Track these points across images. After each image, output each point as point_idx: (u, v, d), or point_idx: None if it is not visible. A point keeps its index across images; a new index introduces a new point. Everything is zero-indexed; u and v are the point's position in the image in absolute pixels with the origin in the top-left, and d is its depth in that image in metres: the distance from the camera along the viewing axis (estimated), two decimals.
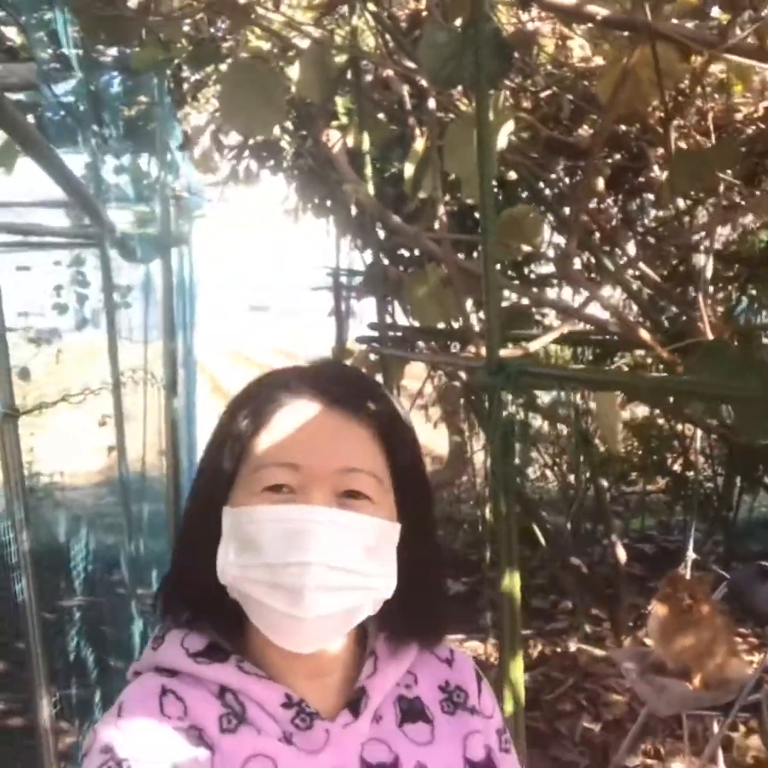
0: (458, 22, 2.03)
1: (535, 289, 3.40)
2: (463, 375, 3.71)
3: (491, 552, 1.61)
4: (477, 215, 3.33)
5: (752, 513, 6.88)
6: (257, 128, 2.17)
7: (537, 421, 6.08)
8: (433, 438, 7.39)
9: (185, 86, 3.34)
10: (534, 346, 1.68)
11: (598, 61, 3.45)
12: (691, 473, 6.06)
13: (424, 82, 2.01)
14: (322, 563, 0.80)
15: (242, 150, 3.74)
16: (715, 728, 3.51)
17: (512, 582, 1.57)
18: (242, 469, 0.87)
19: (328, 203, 4.14)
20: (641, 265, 2.29)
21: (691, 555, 3.95)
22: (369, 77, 2.53)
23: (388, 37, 2.31)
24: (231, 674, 0.86)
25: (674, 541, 6.62)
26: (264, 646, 0.87)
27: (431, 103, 1.94)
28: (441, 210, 1.94)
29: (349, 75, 2.38)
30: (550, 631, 4.94)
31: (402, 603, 0.88)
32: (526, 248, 2.68)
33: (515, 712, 1.57)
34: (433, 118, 1.92)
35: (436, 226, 2.12)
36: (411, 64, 2.18)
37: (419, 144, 2.26)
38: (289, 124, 3.33)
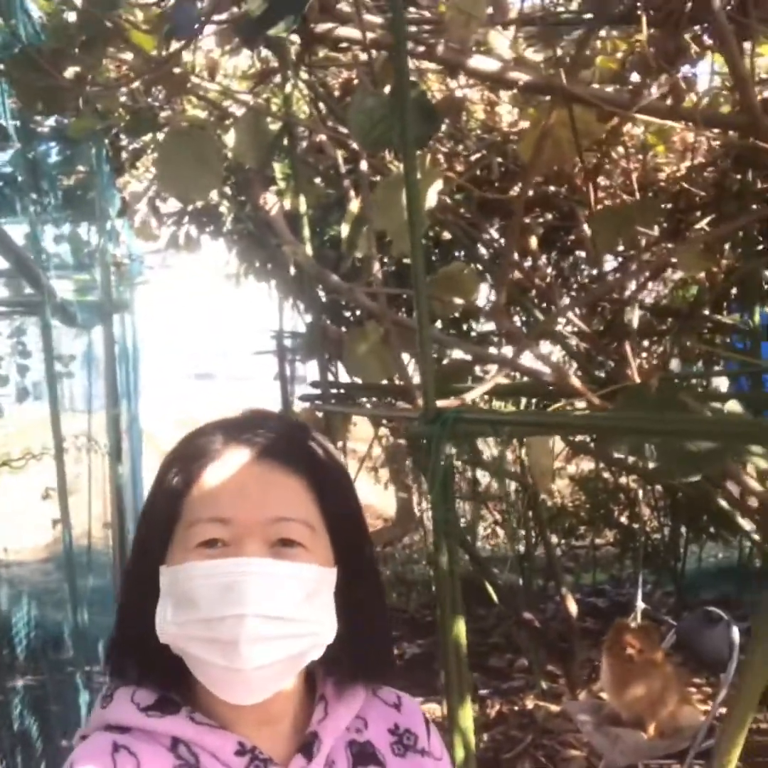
0: (387, 89, 2.09)
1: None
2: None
3: (438, 606, 1.62)
4: None
5: (701, 563, 6.97)
6: (194, 194, 2.21)
7: (485, 479, 6.14)
8: (384, 499, 7.40)
9: (124, 155, 3.39)
10: (470, 396, 1.71)
11: (524, 124, 3.59)
12: (637, 525, 6.14)
13: (356, 146, 2.08)
14: (257, 614, 0.81)
15: (182, 216, 3.79)
16: None
17: (456, 627, 1.58)
18: (177, 526, 0.87)
19: (269, 267, 4.19)
20: (576, 320, 2.34)
21: (640, 605, 3.99)
22: (304, 143, 2.59)
23: (321, 104, 2.39)
24: (184, 725, 0.86)
25: (626, 594, 6.66)
26: (211, 697, 0.87)
27: (363, 165, 2.00)
28: (376, 267, 1.98)
29: (284, 141, 2.44)
30: (508, 689, 4.91)
31: (346, 646, 0.89)
32: (459, 301, 2.75)
33: (466, 758, 1.57)
34: (365, 179, 1.98)
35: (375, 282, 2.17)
36: (343, 130, 2.25)
37: (354, 205, 2.32)
38: (227, 190, 3.38)
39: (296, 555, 0.85)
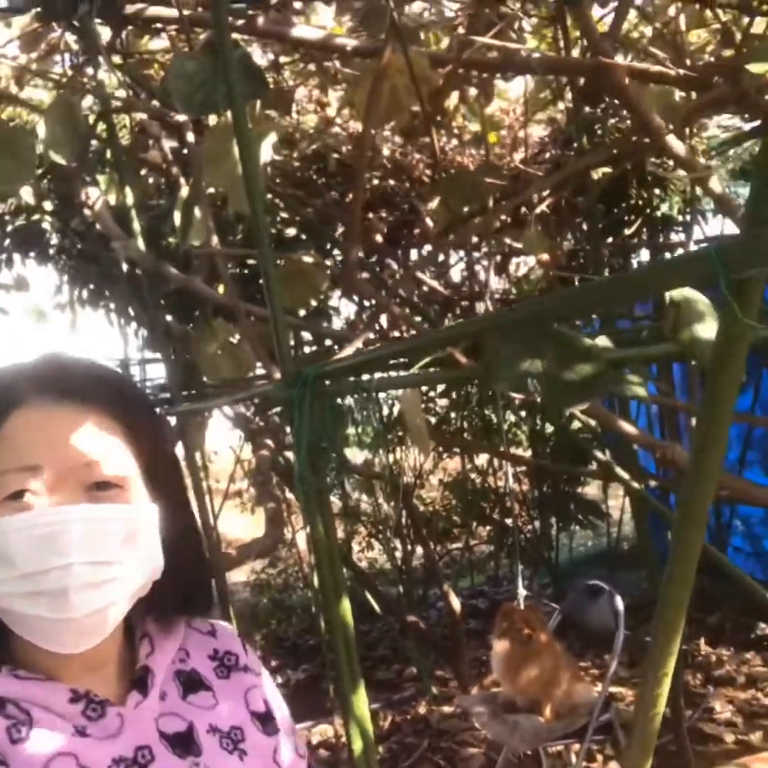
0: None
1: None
2: (271, 443, 3.59)
3: (319, 586, 1.50)
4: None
5: (572, 553, 7.09)
6: (5, 185, 2.03)
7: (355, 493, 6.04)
8: (254, 530, 7.17)
9: None
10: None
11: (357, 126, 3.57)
12: (509, 520, 6.17)
13: (179, 118, 1.95)
14: (83, 562, 0.79)
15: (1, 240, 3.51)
16: (574, 760, 3.47)
17: (341, 606, 1.46)
18: None
19: (105, 292, 3.94)
20: (427, 279, 2.28)
21: (522, 593, 3.94)
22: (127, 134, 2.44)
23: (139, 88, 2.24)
24: (7, 684, 0.83)
25: (504, 593, 6.67)
26: (34, 652, 0.83)
27: (190, 137, 1.86)
28: (214, 240, 1.85)
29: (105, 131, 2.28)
30: (399, 700, 4.79)
31: (167, 581, 0.89)
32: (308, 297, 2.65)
33: (365, 748, 1.44)
34: (193, 151, 1.85)
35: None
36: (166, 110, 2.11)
37: (185, 192, 2.18)
38: (48, 205, 3.16)
39: (114, 496, 0.84)
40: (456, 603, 4.46)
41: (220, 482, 5.75)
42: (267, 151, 1.62)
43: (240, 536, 8.19)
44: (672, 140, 1.75)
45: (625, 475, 2.27)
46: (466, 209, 2.28)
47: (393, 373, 1.63)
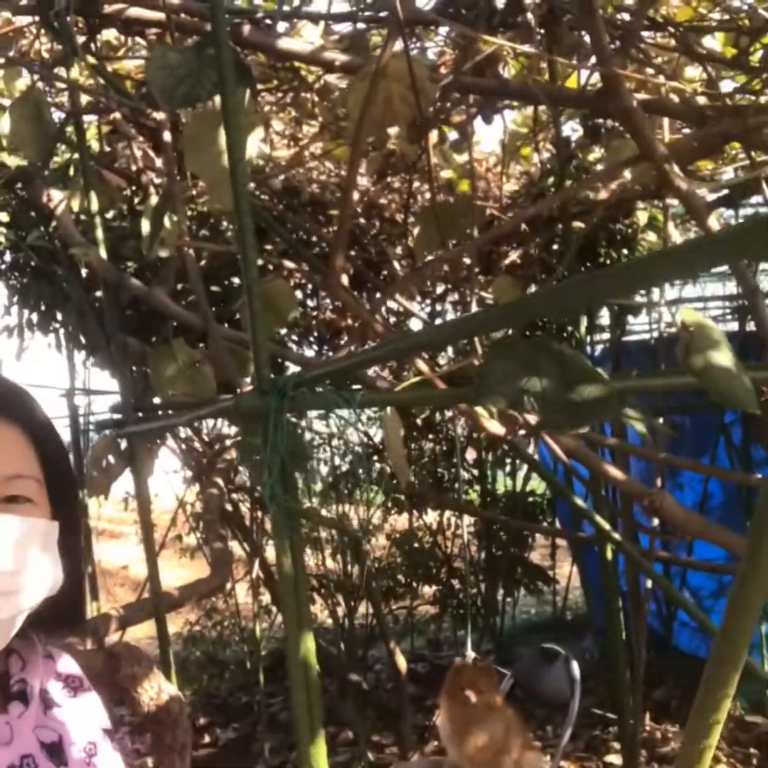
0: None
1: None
2: (221, 482, 3.43)
3: (283, 620, 1.35)
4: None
5: (515, 620, 6.94)
6: None
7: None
8: (194, 576, 6.89)
9: None
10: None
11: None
12: (455, 581, 6.02)
13: (157, 116, 1.83)
14: (3, 568, 0.81)
15: None
16: None
17: (306, 648, 1.31)
18: None
19: (57, 315, 3.76)
20: (406, 303, 2.18)
21: (470, 654, 3.79)
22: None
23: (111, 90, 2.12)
24: None
25: (445, 658, 6.48)
26: None
27: (166, 137, 1.75)
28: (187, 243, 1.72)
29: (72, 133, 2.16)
30: (333, 765, 4.54)
31: (47, 598, 0.90)
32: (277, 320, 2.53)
33: None
34: (169, 153, 1.73)
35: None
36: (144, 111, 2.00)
37: (154, 200, 2.06)
38: (3, 216, 3.00)
39: (26, 510, 0.86)
40: (402, 663, 4.29)
41: (158, 529, 5.53)
42: (254, 144, 1.51)
43: (176, 586, 7.91)
44: (676, 173, 1.69)
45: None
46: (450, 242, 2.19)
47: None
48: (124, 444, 2.29)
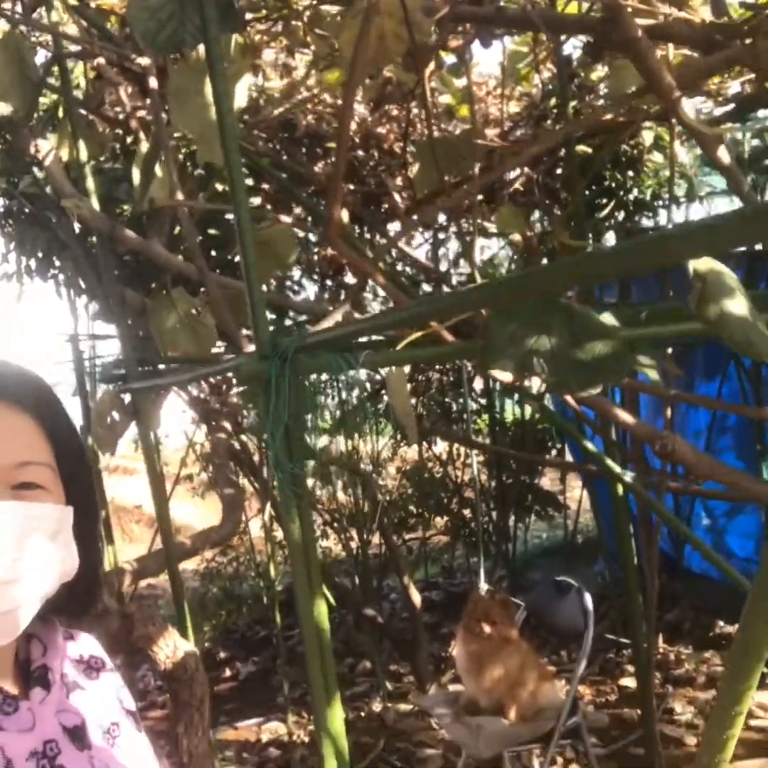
0: None
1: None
2: (228, 425, 3.41)
3: (294, 586, 1.33)
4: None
5: (527, 545, 7.00)
6: None
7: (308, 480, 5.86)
8: (204, 518, 6.95)
9: None
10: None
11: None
12: (467, 510, 6.05)
13: (141, 61, 1.75)
14: (5, 557, 0.81)
15: None
16: (535, 765, 3.35)
17: (317, 610, 1.29)
18: None
19: (55, 261, 3.69)
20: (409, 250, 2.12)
21: (483, 586, 3.82)
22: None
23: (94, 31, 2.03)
24: None
25: (459, 585, 6.57)
26: None
27: (153, 83, 1.67)
28: (179, 196, 1.66)
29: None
30: (352, 695, 4.64)
31: (65, 583, 0.90)
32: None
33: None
34: (155, 99, 1.66)
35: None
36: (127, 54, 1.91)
37: (144, 147, 1.98)
38: None
39: (38, 496, 0.86)
40: (416, 596, 4.32)
41: (170, 466, 5.54)
42: (242, 93, 1.44)
43: (189, 523, 7.97)
44: (684, 102, 1.61)
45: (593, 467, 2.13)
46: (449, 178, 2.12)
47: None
48: (128, 398, 2.26)
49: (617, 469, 2.00)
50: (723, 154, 1.76)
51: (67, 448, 0.92)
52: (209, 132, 1.34)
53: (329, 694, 1.32)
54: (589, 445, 1.98)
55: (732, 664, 0.68)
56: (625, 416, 1.78)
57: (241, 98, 1.45)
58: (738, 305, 1.25)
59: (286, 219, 1.94)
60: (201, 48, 1.39)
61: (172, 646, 1.84)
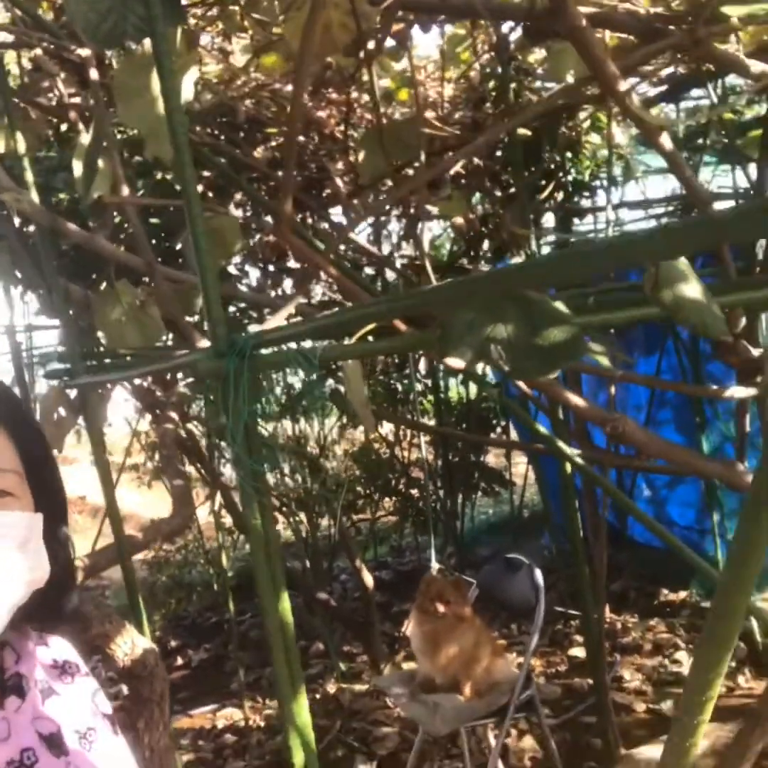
0: None
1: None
2: (175, 415, 3.38)
3: (256, 582, 1.33)
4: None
5: (474, 521, 7.09)
6: None
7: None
8: (148, 507, 6.89)
9: None
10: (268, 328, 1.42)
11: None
12: (414, 491, 6.10)
13: (81, 52, 1.71)
14: None
15: None
16: (491, 738, 3.41)
17: (280, 605, 1.30)
18: None
19: None
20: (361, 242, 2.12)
21: (435, 565, 3.86)
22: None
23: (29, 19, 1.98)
24: None
25: (408, 563, 6.63)
26: None
27: (93, 74, 1.64)
28: (125, 191, 1.64)
29: None
30: (307, 678, 4.65)
31: (43, 589, 0.90)
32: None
33: (307, 761, 1.29)
34: (98, 92, 1.62)
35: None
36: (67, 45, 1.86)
37: (86, 138, 1.94)
38: None
39: (5, 504, 0.86)
40: (369, 578, 4.35)
41: (114, 456, 5.47)
42: (189, 87, 1.42)
43: (135, 511, 7.89)
44: (625, 89, 1.64)
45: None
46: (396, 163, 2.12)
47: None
48: (73, 394, 2.22)
49: (566, 449, 2.03)
50: (665, 141, 1.79)
51: (34, 454, 0.92)
52: (157, 127, 1.32)
53: (295, 688, 1.33)
54: (538, 427, 2.01)
55: (701, 653, 0.71)
56: (576, 400, 1.82)
57: (188, 92, 1.44)
58: (692, 289, 1.28)
59: (224, 211, 1.92)
60: (146, 42, 1.36)
61: (130, 643, 1.83)
